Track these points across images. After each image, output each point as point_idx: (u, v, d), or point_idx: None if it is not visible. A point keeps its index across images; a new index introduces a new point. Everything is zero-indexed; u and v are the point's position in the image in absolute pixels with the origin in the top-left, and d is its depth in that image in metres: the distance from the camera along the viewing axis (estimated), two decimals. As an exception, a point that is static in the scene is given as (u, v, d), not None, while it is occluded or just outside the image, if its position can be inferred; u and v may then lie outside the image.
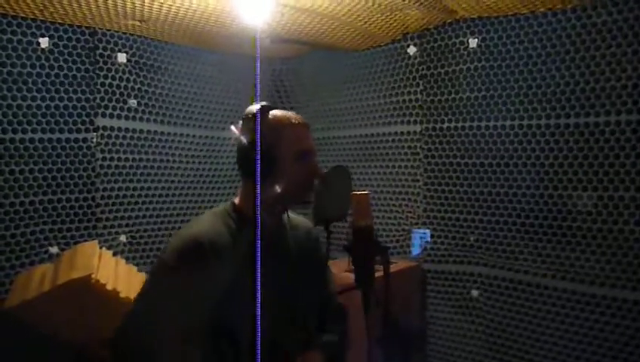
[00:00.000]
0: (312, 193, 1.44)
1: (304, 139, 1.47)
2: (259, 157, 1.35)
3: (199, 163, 3.45)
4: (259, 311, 1.22)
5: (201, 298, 1.32)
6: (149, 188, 3.19)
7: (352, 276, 1.40)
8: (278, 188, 1.41)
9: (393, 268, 3.08)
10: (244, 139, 1.42)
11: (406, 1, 2.66)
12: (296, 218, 1.63)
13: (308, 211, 1.51)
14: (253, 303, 1.22)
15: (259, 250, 1.25)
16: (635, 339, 2.55)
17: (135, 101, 3.11)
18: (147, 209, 3.18)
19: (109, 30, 2.97)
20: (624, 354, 2.58)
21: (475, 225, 3.09)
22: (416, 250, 3.32)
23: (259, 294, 1.22)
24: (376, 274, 1.40)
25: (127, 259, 2.92)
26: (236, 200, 1.50)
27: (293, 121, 1.47)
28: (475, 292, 3.12)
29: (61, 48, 2.82)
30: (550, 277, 2.81)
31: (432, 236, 3.28)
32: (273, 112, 1.46)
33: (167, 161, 3.28)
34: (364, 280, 1.37)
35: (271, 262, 1.35)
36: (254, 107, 1.45)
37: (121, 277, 2.54)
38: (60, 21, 2.78)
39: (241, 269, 1.33)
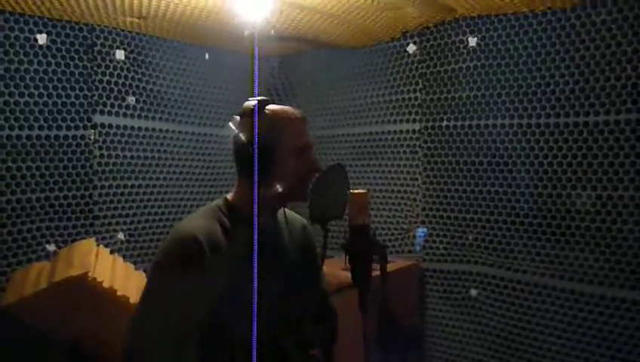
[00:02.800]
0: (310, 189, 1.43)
1: (302, 134, 1.45)
2: (256, 153, 1.33)
3: (198, 160, 3.44)
4: (256, 310, 1.22)
5: (196, 297, 1.31)
6: (147, 186, 3.18)
7: (348, 275, 1.39)
8: (276, 185, 1.39)
9: (391, 267, 3.08)
10: (240, 135, 1.40)
11: (405, -1, 2.65)
12: (292, 214, 1.62)
13: (305, 209, 1.50)
14: (249, 301, 1.21)
15: (256, 247, 1.24)
16: (634, 339, 2.54)
17: (133, 98, 3.10)
18: (145, 206, 3.17)
19: (107, 27, 2.96)
20: (622, 353, 2.58)
21: (474, 224, 3.08)
22: (418, 248, 3.31)
23: (256, 293, 1.21)
24: (374, 273, 1.39)
25: (124, 256, 2.91)
26: (229, 197, 1.48)
27: (291, 115, 1.45)
28: (473, 292, 3.11)
29: (59, 45, 2.81)
30: (549, 276, 2.80)
31: (430, 235, 3.27)
32: (270, 107, 1.44)
33: (166, 158, 3.27)
34: (361, 278, 1.36)
35: (266, 260, 1.33)
36: (251, 102, 1.43)
37: (118, 275, 2.53)
38: (57, 17, 2.77)
39: (236, 267, 1.31)
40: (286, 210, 1.57)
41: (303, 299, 1.51)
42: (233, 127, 1.44)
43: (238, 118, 1.44)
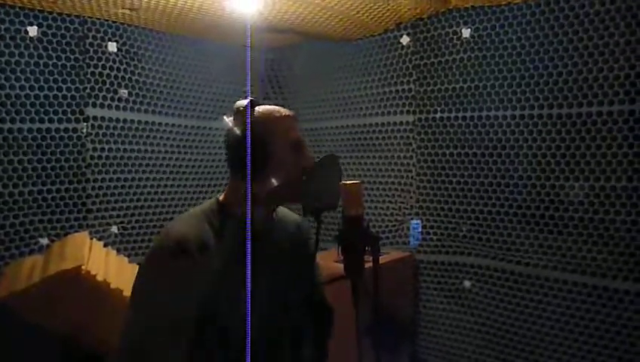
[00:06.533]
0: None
1: (292, 132, 1.44)
2: (249, 153, 1.33)
3: (191, 153, 3.43)
4: (249, 309, 1.21)
5: (184, 297, 1.30)
6: (140, 179, 3.16)
7: (341, 266, 1.39)
8: (269, 184, 1.38)
9: (385, 258, 3.10)
10: (232, 136, 1.39)
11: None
12: (286, 212, 1.61)
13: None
14: (240, 301, 1.21)
15: (249, 247, 1.23)
16: (627, 329, 2.56)
17: (126, 91, 3.08)
18: (138, 200, 3.16)
19: (99, 19, 2.93)
20: (614, 343, 2.59)
21: (468, 215, 3.09)
22: (414, 241, 3.31)
23: (249, 293, 1.21)
24: (367, 265, 1.39)
25: (118, 250, 2.90)
26: (221, 197, 1.46)
27: (280, 113, 1.44)
28: (467, 283, 3.13)
29: (50, 37, 2.79)
30: (542, 267, 2.82)
31: (424, 226, 3.28)
32: (259, 107, 1.43)
33: (159, 151, 3.26)
34: (354, 269, 1.36)
35: (258, 260, 1.31)
36: (242, 102, 1.41)
37: (112, 268, 2.53)
38: (48, 9, 2.75)
39: (228, 268, 1.31)
40: (280, 208, 1.56)
41: (297, 297, 1.51)
42: (227, 122, 1.43)
43: (227, 118, 1.42)
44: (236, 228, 1.34)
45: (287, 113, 1.45)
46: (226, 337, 1.35)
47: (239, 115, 1.39)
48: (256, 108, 1.42)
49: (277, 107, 1.46)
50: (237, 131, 1.38)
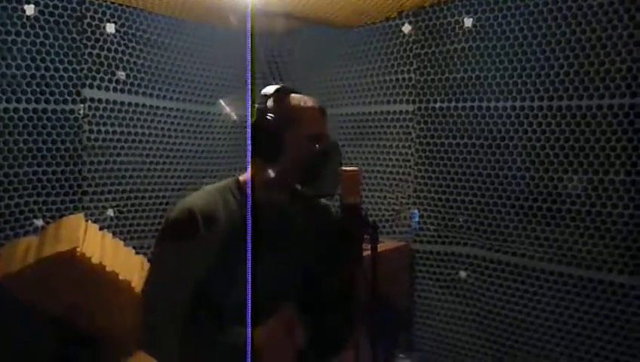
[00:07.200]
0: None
1: (314, 124, 1.49)
2: (250, 137, 1.38)
3: (188, 137, 3.40)
4: (249, 288, 1.24)
5: (191, 269, 1.35)
6: (136, 163, 3.14)
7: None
8: (287, 169, 1.43)
9: (381, 247, 3.10)
10: (257, 120, 1.43)
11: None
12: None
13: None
14: (244, 280, 1.23)
15: (250, 226, 1.26)
16: (620, 321, 2.57)
17: (124, 73, 3.05)
18: (135, 183, 3.14)
19: (97, -1, 2.90)
20: (608, 335, 2.61)
21: (465, 206, 3.08)
22: (410, 231, 3.31)
23: (249, 272, 1.24)
24: (364, 253, 1.38)
25: (114, 233, 2.89)
26: (241, 177, 1.52)
27: (309, 104, 1.50)
28: (462, 274, 3.13)
29: (47, 16, 2.75)
30: (538, 258, 2.82)
31: (421, 216, 3.28)
32: (291, 95, 1.49)
33: (156, 135, 3.23)
34: (352, 258, 1.36)
35: (278, 240, 1.39)
36: (270, 88, 1.48)
37: (107, 250, 2.53)
38: (46, -12, 2.71)
39: (240, 245, 1.32)
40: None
41: (317, 278, 1.52)
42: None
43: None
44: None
45: (312, 106, 1.51)
46: (227, 306, 1.38)
47: (264, 101, 1.46)
48: (289, 95, 1.49)
49: (306, 98, 1.52)
50: (260, 118, 1.43)
